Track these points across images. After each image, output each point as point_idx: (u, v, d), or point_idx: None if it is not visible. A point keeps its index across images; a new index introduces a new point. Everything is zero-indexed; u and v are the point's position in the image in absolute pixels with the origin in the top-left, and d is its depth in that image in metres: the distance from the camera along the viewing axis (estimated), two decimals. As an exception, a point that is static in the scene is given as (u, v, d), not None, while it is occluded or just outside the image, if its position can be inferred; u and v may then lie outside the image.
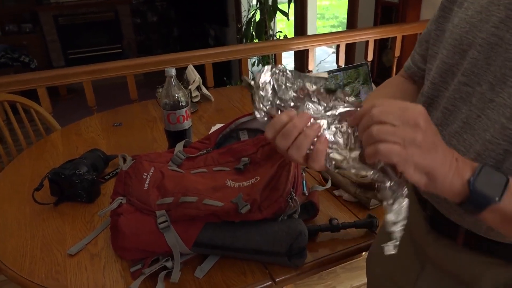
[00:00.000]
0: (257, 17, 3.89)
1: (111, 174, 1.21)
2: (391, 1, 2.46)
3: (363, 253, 0.94)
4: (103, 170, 1.22)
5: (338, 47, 2.25)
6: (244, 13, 4.67)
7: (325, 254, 0.89)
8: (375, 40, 2.33)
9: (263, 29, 3.72)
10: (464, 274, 0.64)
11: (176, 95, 1.16)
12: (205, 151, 1.01)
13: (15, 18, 5.73)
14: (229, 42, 5.43)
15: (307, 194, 0.96)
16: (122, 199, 0.89)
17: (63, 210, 1.07)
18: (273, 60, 3.87)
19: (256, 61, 4.22)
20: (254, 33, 3.79)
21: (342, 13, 8.48)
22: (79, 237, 0.97)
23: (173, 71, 1.14)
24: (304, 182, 0.97)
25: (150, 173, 0.92)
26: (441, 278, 0.68)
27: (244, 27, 4.03)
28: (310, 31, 3.62)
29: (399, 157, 0.46)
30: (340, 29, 7.00)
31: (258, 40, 3.67)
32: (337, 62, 2.29)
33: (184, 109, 1.18)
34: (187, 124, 1.21)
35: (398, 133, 0.46)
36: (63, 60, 6.11)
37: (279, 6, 3.81)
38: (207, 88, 1.75)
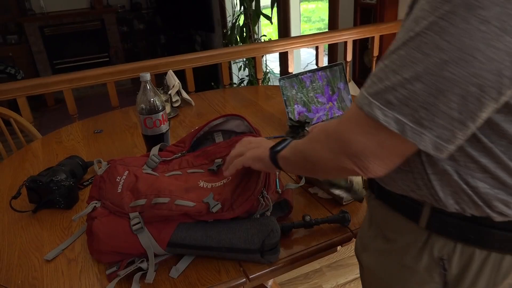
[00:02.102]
0: (241, 22, 3.93)
1: (90, 181, 1.22)
2: (369, 2, 2.50)
3: (338, 247, 0.96)
4: (82, 177, 1.23)
5: (317, 48, 2.28)
6: (229, 18, 4.71)
7: (299, 250, 0.91)
8: (355, 41, 2.36)
9: (248, 33, 3.75)
10: (382, 225, 0.71)
11: (152, 99, 1.18)
12: (179, 154, 1.02)
13: (-1, 30, 5.71)
14: (215, 47, 5.45)
15: (280, 192, 0.98)
16: (96, 203, 0.90)
17: (41, 217, 1.08)
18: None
19: (242, 65, 4.25)
20: (238, 38, 3.82)
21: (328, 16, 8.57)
22: (57, 243, 0.98)
23: (147, 76, 1.16)
24: (278, 180, 0.99)
25: (124, 177, 0.94)
26: (370, 221, 0.76)
27: (229, 32, 4.06)
28: (294, 34, 3.66)
29: (242, 162, 0.84)
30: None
31: (242, 44, 3.70)
32: (316, 63, 2.32)
33: (161, 113, 1.20)
34: (164, 128, 1.22)
35: (236, 152, 0.87)
36: (50, 70, 6.09)
37: (263, 10, 3.84)
38: (187, 92, 1.76)
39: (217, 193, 0.85)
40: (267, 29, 5.32)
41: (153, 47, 6.59)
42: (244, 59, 4.10)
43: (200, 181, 0.91)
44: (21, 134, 1.57)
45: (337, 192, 1.01)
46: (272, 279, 1.76)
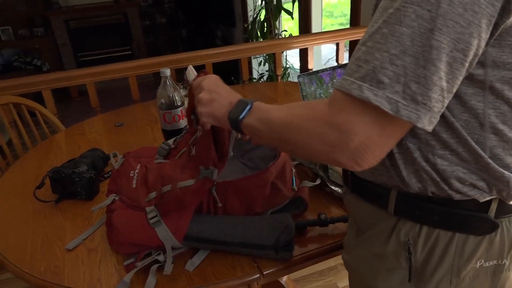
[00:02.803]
0: (262, 17, 3.92)
1: (109, 173, 1.25)
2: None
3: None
4: (103, 169, 1.26)
5: (337, 45, 2.26)
6: (250, 13, 4.70)
7: (314, 248, 0.91)
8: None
9: (268, 28, 3.74)
10: (357, 219, 0.75)
11: (171, 94, 1.19)
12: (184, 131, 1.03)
13: (26, 23, 5.84)
14: (236, 42, 5.46)
15: (296, 190, 0.98)
16: (115, 196, 0.92)
17: (63, 207, 1.11)
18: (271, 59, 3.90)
19: (262, 60, 4.25)
20: (259, 33, 3.82)
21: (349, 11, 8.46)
22: (78, 233, 1.01)
23: (168, 72, 1.18)
24: (294, 178, 1.00)
25: (137, 171, 0.96)
26: (351, 221, 0.79)
27: (249, 26, 4.06)
28: (315, 30, 3.63)
29: (199, 115, 0.76)
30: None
31: (263, 40, 3.69)
32: (337, 60, 2.30)
33: (180, 109, 1.21)
34: (183, 123, 1.24)
35: (195, 100, 0.78)
36: (74, 63, 6.21)
37: (284, 5, 3.82)
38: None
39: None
40: (288, 24, 5.30)
41: (174, 41, 6.64)
42: (264, 54, 4.10)
43: (192, 148, 0.90)
44: (45, 125, 1.62)
45: (335, 188, 1.02)
46: (286, 276, 1.77)
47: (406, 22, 0.48)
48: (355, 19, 2.87)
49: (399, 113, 0.49)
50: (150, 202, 0.87)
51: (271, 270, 0.86)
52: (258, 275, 0.86)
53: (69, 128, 1.59)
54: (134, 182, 0.91)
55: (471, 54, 0.49)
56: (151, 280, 0.83)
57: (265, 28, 3.68)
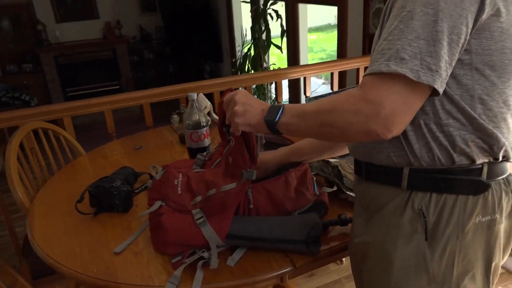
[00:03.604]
0: (252, 52, 4.15)
1: (140, 188, 1.36)
2: (377, 32, 2.70)
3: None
4: (133, 185, 1.37)
5: (332, 74, 2.47)
6: (238, 48, 4.94)
7: (337, 244, 1.04)
8: (365, 67, 2.55)
9: (258, 62, 3.96)
10: (365, 200, 0.90)
11: (198, 116, 1.33)
12: (217, 146, 1.17)
13: (16, 59, 5.92)
14: (224, 76, 5.67)
15: (318, 194, 1.12)
16: (161, 202, 1.04)
17: (102, 219, 1.21)
18: (269, 89, 4.10)
19: (252, 93, 4.45)
20: (250, 66, 4.03)
21: (329, 46, 8.86)
22: (121, 240, 1.11)
23: (194, 95, 1.32)
24: (315, 184, 1.14)
25: (180, 179, 1.08)
26: (357, 207, 0.94)
27: (239, 61, 4.28)
28: (302, 63, 3.87)
29: (234, 127, 0.89)
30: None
31: (253, 72, 3.90)
32: (332, 89, 2.50)
33: (205, 129, 1.35)
34: (207, 141, 1.37)
35: (228, 114, 0.91)
36: (62, 97, 6.28)
37: (272, 40, 4.07)
38: (216, 113, 1.93)
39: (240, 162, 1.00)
40: (272, 58, 5.56)
41: (162, 76, 6.82)
42: (254, 86, 4.30)
43: (229, 157, 1.04)
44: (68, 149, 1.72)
45: (349, 193, 1.16)
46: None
47: (417, 18, 0.67)
48: (342, 52, 3.11)
49: (420, 78, 0.67)
50: (196, 206, 0.99)
51: (302, 263, 0.99)
52: (291, 267, 0.98)
53: (90, 153, 1.70)
54: (179, 189, 1.04)
55: (462, 38, 0.69)
56: (199, 274, 0.94)
57: (257, 62, 3.89)
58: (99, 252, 1.07)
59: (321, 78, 6.59)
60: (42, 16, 5.80)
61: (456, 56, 0.70)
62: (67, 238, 1.14)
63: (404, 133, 0.78)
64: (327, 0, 3.29)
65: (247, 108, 0.87)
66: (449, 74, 0.70)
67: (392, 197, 0.83)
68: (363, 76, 0.73)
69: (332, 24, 7.81)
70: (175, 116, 1.85)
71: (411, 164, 0.79)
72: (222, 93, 1.02)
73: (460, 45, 0.69)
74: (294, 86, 3.74)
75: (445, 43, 0.67)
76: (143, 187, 1.37)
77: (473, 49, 0.71)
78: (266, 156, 1.14)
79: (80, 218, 1.22)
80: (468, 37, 0.70)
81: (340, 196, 1.23)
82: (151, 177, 1.41)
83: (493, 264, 0.83)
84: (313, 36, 9.95)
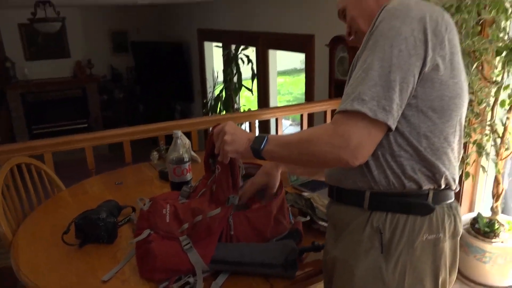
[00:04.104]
0: (224, 93, 4.32)
1: (123, 221, 1.42)
2: (342, 79, 2.94)
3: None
4: (117, 218, 1.43)
5: (301, 116, 2.65)
6: (209, 89, 5.12)
7: (311, 268, 1.14)
8: (332, 110, 2.75)
9: (230, 103, 4.13)
10: (335, 219, 1.03)
11: (181, 151, 1.43)
12: (201, 178, 1.27)
13: (-20, 96, 5.81)
14: (195, 117, 5.80)
15: (293, 223, 1.23)
16: (150, 231, 1.11)
17: (87, 250, 1.26)
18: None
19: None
20: (222, 107, 4.19)
21: (295, 90, 9.24)
22: (107, 270, 1.15)
23: (179, 133, 1.43)
24: (290, 214, 1.25)
25: (168, 209, 1.16)
26: (329, 227, 1.07)
27: (211, 102, 4.44)
28: (272, 105, 4.07)
29: (223, 154, 1.02)
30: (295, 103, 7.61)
31: (226, 113, 4.05)
32: (301, 128, 2.67)
33: (187, 164, 1.45)
34: (189, 176, 1.46)
35: (217, 144, 1.04)
36: (27, 135, 6.17)
37: (243, 83, 4.27)
38: (194, 151, 2.02)
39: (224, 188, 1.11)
40: (242, 100, 5.76)
41: (131, 115, 6.85)
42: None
43: (213, 185, 1.15)
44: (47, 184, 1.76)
45: (321, 223, 1.28)
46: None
47: (375, 69, 0.84)
48: (309, 95, 3.32)
49: (377, 116, 0.82)
50: (183, 232, 1.08)
51: (280, 286, 1.07)
52: (271, 290, 1.07)
53: (71, 188, 1.74)
54: (167, 217, 1.12)
55: (411, 86, 0.85)
56: (185, 298, 1.01)
57: (228, 103, 4.06)
58: (87, 280, 1.12)
59: (288, 119, 6.83)
60: (12, 54, 5.78)
61: (406, 100, 0.86)
62: (54, 268, 1.18)
63: (366, 163, 0.92)
64: (296, 48, 3.54)
65: (235, 137, 1.01)
66: (400, 114, 0.86)
67: (356, 216, 0.96)
68: (334, 114, 0.89)
69: (298, 68, 8.17)
70: (155, 153, 1.93)
71: (371, 188, 0.94)
72: (211, 128, 1.13)
73: (409, 91, 0.85)
74: (265, 126, 3.91)
75: (397, 90, 0.83)
76: (126, 219, 1.43)
77: (419, 95, 0.88)
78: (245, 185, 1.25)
79: (65, 249, 1.26)
80: (415, 86, 0.86)
81: (313, 226, 1.34)
82: (134, 210, 1.48)
83: (440, 278, 0.96)
84: (280, 80, 10.34)
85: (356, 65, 0.91)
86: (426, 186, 0.92)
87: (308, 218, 1.29)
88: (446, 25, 0.88)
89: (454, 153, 0.96)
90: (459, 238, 1.01)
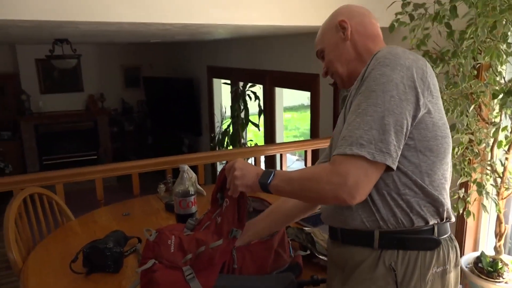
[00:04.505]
0: (231, 128, 4.42)
1: (129, 251, 1.46)
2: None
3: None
4: (124, 248, 1.47)
5: (306, 152, 2.71)
6: (217, 124, 5.23)
7: (310, 302, 1.17)
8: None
9: (237, 138, 4.22)
10: (343, 262, 1.04)
11: (187, 184, 1.49)
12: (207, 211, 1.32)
13: (-6, 127, 5.96)
14: (202, 150, 5.89)
15: (293, 256, 1.27)
16: (155, 261, 1.16)
17: (94, 278, 1.31)
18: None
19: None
20: (229, 142, 4.27)
21: (302, 125, 9.35)
22: (113, 298, 1.20)
23: (185, 167, 1.49)
24: (291, 248, 1.29)
25: (173, 240, 1.21)
26: (333, 268, 1.09)
27: (218, 136, 4.53)
28: (278, 140, 4.15)
29: (234, 189, 1.08)
30: (302, 139, 7.69)
31: (233, 148, 4.14)
32: (305, 165, 2.73)
33: (193, 197, 1.51)
34: (194, 209, 1.52)
35: (229, 179, 1.10)
36: (38, 165, 6.28)
37: (250, 118, 4.38)
38: (200, 184, 2.09)
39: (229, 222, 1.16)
40: (249, 135, 5.87)
41: (141, 147, 6.98)
42: (231, 160, 4.52)
43: (218, 218, 1.20)
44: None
45: (321, 257, 1.31)
46: None
47: (369, 114, 0.90)
48: (314, 132, 3.40)
49: (375, 158, 0.88)
50: (186, 263, 1.12)
51: (280, 318, 1.11)
52: (270, 322, 1.10)
53: (80, 218, 1.80)
54: (172, 248, 1.16)
55: (405, 128, 0.91)
56: (186, 327, 1.05)
57: (235, 138, 4.15)
58: (93, 308, 1.16)
59: (295, 155, 6.90)
60: (27, 87, 5.98)
61: (403, 141, 0.92)
62: (61, 295, 1.22)
63: (373, 202, 0.97)
64: (302, 86, 3.65)
65: (245, 172, 1.07)
66: (399, 154, 0.92)
67: (366, 256, 0.99)
68: (333, 155, 0.94)
69: (305, 104, 8.32)
70: (162, 185, 1.99)
71: (380, 227, 0.97)
72: (214, 165, 1.20)
73: (404, 133, 0.91)
74: (271, 161, 3.97)
75: (392, 132, 0.89)
76: (132, 249, 1.48)
77: (415, 137, 0.94)
78: (249, 226, 1.29)
79: (73, 277, 1.31)
80: (410, 128, 0.92)
81: (313, 260, 1.37)
82: (140, 240, 1.53)
83: None
84: (287, 115, 10.47)
85: (348, 107, 0.98)
86: (432, 221, 0.98)
87: (308, 252, 1.33)
88: (429, 72, 0.96)
89: (448, 187, 1.03)
90: (459, 268, 1.07)
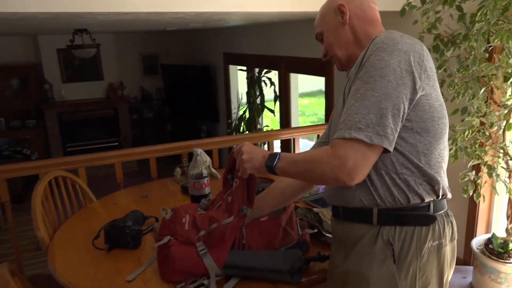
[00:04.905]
0: (247, 114, 4.48)
1: (147, 230, 1.55)
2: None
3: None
4: (142, 227, 1.57)
5: (318, 136, 2.75)
6: (233, 110, 5.30)
7: (316, 276, 1.24)
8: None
9: (253, 123, 4.28)
10: (345, 238, 1.10)
11: (201, 168, 1.57)
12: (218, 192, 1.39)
13: (20, 115, 6.18)
14: (219, 135, 5.97)
15: (301, 234, 1.33)
16: (170, 237, 1.24)
17: (114, 254, 1.40)
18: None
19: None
20: (245, 128, 4.34)
21: (320, 111, 9.33)
22: (132, 272, 1.29)
23: (199, 151, 1.57)
24: (298, 226, 1.35)
25: (187, 218, 1.29)
26: (336, 244, 1.15)
27: (235, 122, 4.60)
28: (293, 125, 4.19)
29: (243, 171, 1.16)
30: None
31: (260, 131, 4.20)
32: (318, 149, 2.77)
33: (206, 179, 1.58)
34: (207, 190, 1.60)
35: (238, 162, 1.17)
36: (61, 152, 6.49)
37: (266, 104, 4.42)
38: (214, 168, 2.16)
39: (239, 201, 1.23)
40: (266, 121, 5.92)
41: (160, 134, 7.11)
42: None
43: (228, 197, 1.27)
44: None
45: (328, 235, 1.37)
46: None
47: (367, 99, 0.94)
48: (328, 117, 3.43)
49: (372, 141, 0.93)
50: (200, 239, 1.20)
51: (286, 291, 1.18)
52: (277, 295, 1.17)
53: (102, 199, 1.90)
54: (186, 225, 1.24)
55: (401, 111, 0.95)
56: (199, 298, 1.13)
57: (251, 124, 4.21)
58: (113, 279, 1.25)
59: (312, 139, 6.92)
60: (50, 76, 6.16)
61: (400, 124, 0.96)
62: (85, 269, 1.32)
63: (372, 181, 1.02)
64: (316, 71, 3.67)
65: (252, 155, 1.14)
66: (396, 136, 0.96)
67: (366, 231, 1.05)
68: (333, 139, 1.00)
69: (323, 90, 8.32)
70: (178, 169, 2.08)
71: (378, 205, 1.03)
72: (231, 149, 1.27)
73: (401, 116, 0.96)
74: (286, 146, 4.02)
75: (389, 116, 0.94)
76: (150, 228, 1.57)
77: (412, 118, 0.99)
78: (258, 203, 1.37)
79: (95, 253, 1.40)
80: (407, 110, 0.97)
81: (320, 238, 1.43)
82: (157, 220, 1.62)
83: (444, 278, 1.07)
84: (305, 101, 10.45)
85: (348, 92, 1.03)
86: (428, 198, 1.03)
87: (315, 230, 1.39)
88: (426, 55, 1.00)
89: (446, 166, 1.08)
90: (456, 241, 1.13)
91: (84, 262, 1.36)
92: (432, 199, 1.03)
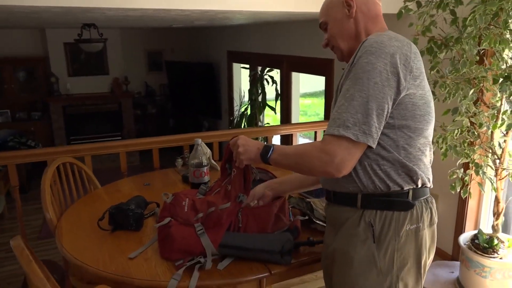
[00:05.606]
0: (249, 111, 4.57)
1: (148, 214, 1.65)
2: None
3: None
4: (144, 211, 1.66)
5: (315, 133, 2.85)
6: (236, 107, 5.40)
7: (305, 258, 1.33)
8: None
9: (254, 120, 4.37)
10: (334, 219, 1.21)
11: (201, 157, 1.66)
12: (217, 180, 1.49)
13: (26, 107, 6.28)
14: (221, 132, 6.05)
15: (292, 220, 1.42)
16: (170, 218, 1.34)
17: (118, 235, 1.50)
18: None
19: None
20: (246, 124, 4.43)
21: (322, 111, 9.42)
22: (134, 250, 1.38)
23: (199, 140, 1.66)
24: (290, 212, 1.44)
25: (187, 201, 1.39)
26: (328, 225, 1.24)
27: (236, 119, 4.69)
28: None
29: (239, 162, 1.25)
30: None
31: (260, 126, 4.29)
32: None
33: (205, 168, 1.67)
34: (206, 178, 1.69)
35: (234, 153, 1.26)
36: (65, 144, 6.59)
37: (267, 102, 4.52)
38: (214, 160, 2.26)
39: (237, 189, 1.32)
40: (267, 119, 6.01)
41: (162, 129, 7.21)
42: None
43: (228, 185, 1.37)
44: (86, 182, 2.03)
45: (318, 222, 1.46)
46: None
47: (355, 99, 1.04)
48: (328, 115, 3.51)
49: (359, 139, 1.03)
50: (198, 220, 1.29)
51: (277, 270, 1.27)
52: (267, 273, 1.26)
53: (106, 186, 2.00)
54: (186, 208, 1.34)
55: (385, 111, 1.05)
56: (195, 274, 1.22)
57: (252, 121, 4.30)
58: (117, 257, 1.35)
59: (312, 139, 7.01)
60: (56, 70, 6.26)
61: (383, 122, 1.06)
62: (90, 247, 1.42)
63: (356, 172, 1.12)
64: (317, 71, 3.76)
65: (247, 148, 1.24)
66: (379, 134, 1.06)
67: (351, 214, 1.16)
68: (324, 135, 1.10)
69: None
70: (180, 160, 2.17)
71: (361, 191, 1.13)
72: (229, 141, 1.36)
73: (385, 115, 1.05)
74: (286, 142, 4.11)
75: (374, 116, 1.03)
76: (151, 213, 1.66)
77: (395, 116, 1.08)
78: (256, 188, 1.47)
79: (100, 233, 1.50)
80: (390, 109, 1.06)
81: (311, 226, 1.53)
82: (158, 205, 1.71)
83: (422, 261, 1.15)
84: (308, 101, 10.53)
85: (339, 90, 1.12)
86: (407, 187, 1.12)
87: (306, 217, 1.48)
88: (413, 56, 1.08)
89: (427, 158, 1.17)
90: (435, 226, 1.22)
91: (89, 241, 1.46)
92: (411, 187, 1.13)
